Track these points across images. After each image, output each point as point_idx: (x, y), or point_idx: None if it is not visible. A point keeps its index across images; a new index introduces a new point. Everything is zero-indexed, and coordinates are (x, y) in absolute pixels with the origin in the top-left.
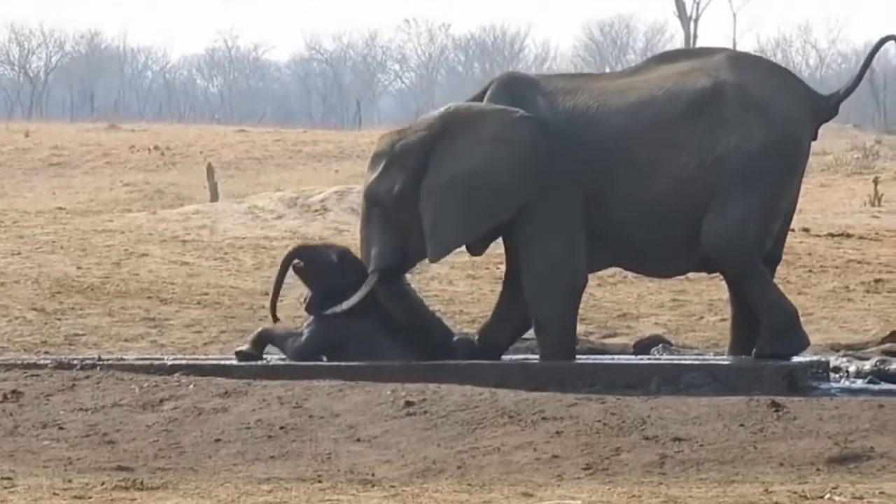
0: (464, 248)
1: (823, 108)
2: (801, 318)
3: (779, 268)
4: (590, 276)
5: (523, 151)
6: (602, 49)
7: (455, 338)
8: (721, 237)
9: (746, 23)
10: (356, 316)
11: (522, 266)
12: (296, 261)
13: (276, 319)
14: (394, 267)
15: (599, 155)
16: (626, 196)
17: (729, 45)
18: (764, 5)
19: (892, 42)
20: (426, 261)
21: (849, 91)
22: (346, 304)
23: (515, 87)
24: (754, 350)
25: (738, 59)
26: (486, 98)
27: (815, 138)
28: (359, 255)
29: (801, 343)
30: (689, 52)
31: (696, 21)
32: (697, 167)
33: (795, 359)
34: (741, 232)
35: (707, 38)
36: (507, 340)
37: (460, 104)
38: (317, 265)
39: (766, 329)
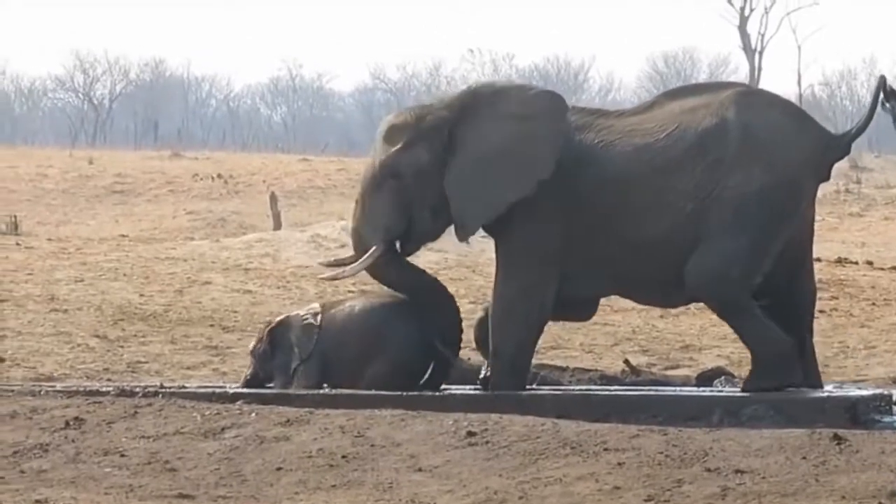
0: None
1: (834, 148)
2: (864, 351)
3: (841, 300)
4: (649, 308)
5: (542, 126)
6: (666, 80)
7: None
8: (702, 274)
9: (811, 55)
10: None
11: (494, 289)
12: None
13: None
14: (399, 240)
15: (597, 195)
16: (621, 236)
17: (793, 78)
18: (829, 38)
19: None
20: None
21: (860, 130)
22: (348, 270)
23: None
24: (742, 385)
25: (749, 97)
26: None
27: (827, 178)
28: None
29: (787, 375)
30: (701, 88)
31: (760, 53)
32: (695, 209)
33: (858, 392)
34: (724, 269)
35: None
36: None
37: (480, 83)
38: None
39: (755, 363)
